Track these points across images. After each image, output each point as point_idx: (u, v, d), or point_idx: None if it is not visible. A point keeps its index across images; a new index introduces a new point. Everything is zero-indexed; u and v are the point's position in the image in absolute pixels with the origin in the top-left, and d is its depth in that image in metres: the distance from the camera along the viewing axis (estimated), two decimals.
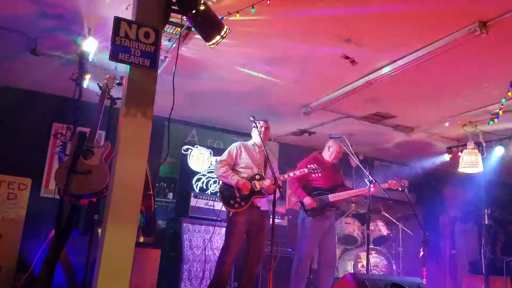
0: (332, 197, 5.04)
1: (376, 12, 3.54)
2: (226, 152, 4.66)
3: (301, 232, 5.11)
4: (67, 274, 4.16)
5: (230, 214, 4.38)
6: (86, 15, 3.95)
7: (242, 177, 4.44)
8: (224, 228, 4.82)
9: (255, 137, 4.73)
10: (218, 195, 4.67)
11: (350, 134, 6.61)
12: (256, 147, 4.69)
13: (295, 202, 5.41)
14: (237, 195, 4.38)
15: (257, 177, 4.49)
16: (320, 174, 4.72)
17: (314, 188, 5.10)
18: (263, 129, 4.63)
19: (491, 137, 6.14)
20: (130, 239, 2.67)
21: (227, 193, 4.42)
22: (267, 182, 4.42)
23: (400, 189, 4.75)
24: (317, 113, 6.02)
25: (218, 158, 4.70)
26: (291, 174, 4.68)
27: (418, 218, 4.71)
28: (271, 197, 4.40)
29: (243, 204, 4.36)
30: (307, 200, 4.98)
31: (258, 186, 4.42)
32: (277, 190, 4.27)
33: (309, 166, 4.72)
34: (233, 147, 4.68)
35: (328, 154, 5.27)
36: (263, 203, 4.53)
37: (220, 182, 4.59)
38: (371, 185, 4.58)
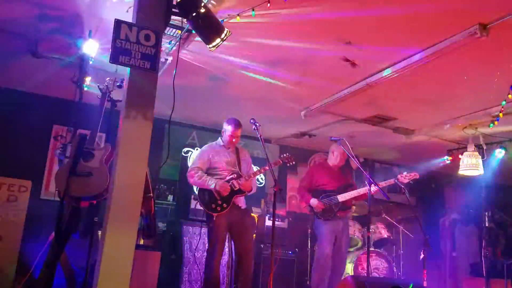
0: (341, 197, 5.09)
1: (377, 15, 3.54)
2: (196, 158, 4.57)
3: (318, 237, 5.23)
4: (67, 276, 4.15)
5: (214, 218, 4.28)
6: (86, 17, 3.96)
7: (219, 179, 4.38)
8: None
9: (224, 138, 4.61)
10: (197, 200, 4.52)
11: (351, 136, 6.62)
12: (225, 148, 4.60)
13: (306, 207, 5.44)
14: (218, 197, 4.31)
15: (235, 176, 4.44)
16: (293, 162, 4.63)
17: (322, 191, 5.17)
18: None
19: (492, 140, 6.14)
20: (130, 241, 2.66)
21: (207, 198, 4.34)
22: (242, 180, 4.38)
23: (403, 185, 4.77)
24: (318, 115, 6.02)
25: (190, 166, 4.55)
26: (262, 170, 4.59)
27: (418, 220, 4.71)
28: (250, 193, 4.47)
29: (225, 206, 4.30)
30: (314, 201, 5.08)
31: (237, 185, 4.36)
32: (251, 185, 4.38)
33: (281, 156, 4.68)
34: (204, 152, 4.58)
35: (333, 158, 5.37)
36: (242, 202, 4.52)
37: (197, 188, 4.48)
38: (373, 187, 4.60)
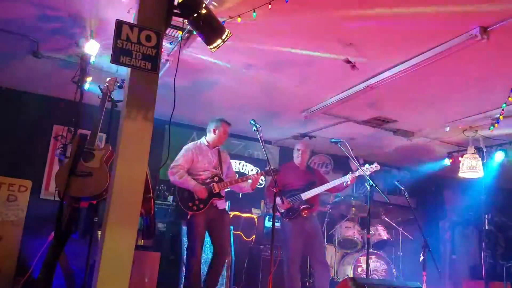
0: (304, 196, 5.03)
1: (378, 17, 3.54)
2: (180, 156, 4.53)
3: (283, 237, 5.08)
4: (66, 276, 4.15)
5: (188, 217, 4.33)
6: (88, 18, 3.97)
7: (199, 179, 4.42)
8: None
9: (208, 137, 4.64)
10: (175, 197, 4.56)
11: (351, 138, 6.61)
12: (209, 148, 4.62)
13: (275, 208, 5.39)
14: (196, 197, 4.35)
15: (216, 178, 4.46)
16: (277, 175, 4.54)
17: (287, 191, 5.09)
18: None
19: (492, 142, 6.14)
20: (130, 242, 2.66)
21: (186, 196, 4.37)
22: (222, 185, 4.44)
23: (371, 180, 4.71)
24: (318, 117, 6.02)
25: (172, 163, 4.51)
26: (244, 179, 4.62)
27: (418, 222, 4.71)
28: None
29: (201, 207, 4.34)
30: (278, 200, 4.92)
31: (217, 189, 4.40)
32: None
33: (266, 168, 4.71)
34: (189, 150, 4.55)
35: (297, 157, 5.30)
36: (220, 203, 4.53)
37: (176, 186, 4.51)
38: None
